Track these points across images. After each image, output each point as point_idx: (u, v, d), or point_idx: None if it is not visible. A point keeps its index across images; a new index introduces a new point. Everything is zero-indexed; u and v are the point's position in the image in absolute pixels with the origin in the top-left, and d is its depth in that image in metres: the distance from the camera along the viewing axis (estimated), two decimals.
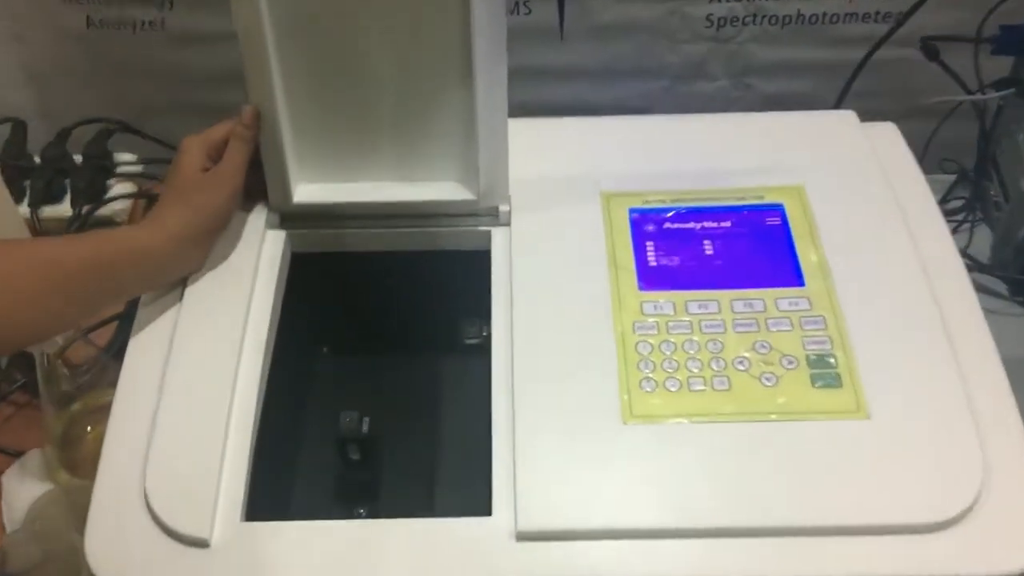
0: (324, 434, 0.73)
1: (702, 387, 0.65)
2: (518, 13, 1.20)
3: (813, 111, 0.84)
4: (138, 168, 1.08)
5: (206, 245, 0.71)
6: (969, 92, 0.97)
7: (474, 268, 0.74)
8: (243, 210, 0.75)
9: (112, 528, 0.61)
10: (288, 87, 0.71)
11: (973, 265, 0.95)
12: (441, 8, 0.67)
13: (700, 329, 0.68)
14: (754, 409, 0.64)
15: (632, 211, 0.75)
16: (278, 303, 0.72)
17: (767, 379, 0.65)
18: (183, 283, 0.71)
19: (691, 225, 0.74)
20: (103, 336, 0.89)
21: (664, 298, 0.70)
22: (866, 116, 0.83)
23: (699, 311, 0.69)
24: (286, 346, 0.72)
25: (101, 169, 1.06)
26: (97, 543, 0.61)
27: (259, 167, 0.74)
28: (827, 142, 0.80)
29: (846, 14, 1.21)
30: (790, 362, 0.66)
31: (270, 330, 0.70)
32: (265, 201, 0.76)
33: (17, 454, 0.83)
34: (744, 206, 0.75)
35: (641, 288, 0.70)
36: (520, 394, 0.65)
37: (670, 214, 0.75)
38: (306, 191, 0.75)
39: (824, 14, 1.21)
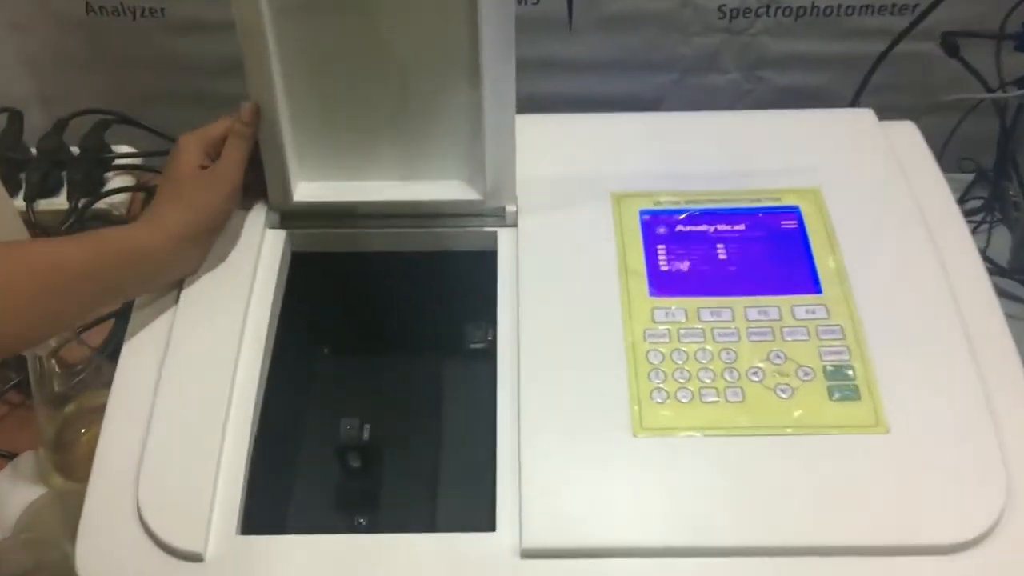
0: (324, 441, 0.71)
1: (715, 398, 0.63)
2: (525, 3, 1.18)
3: (830, 109, 0.81)
4: (136, 160, 1.06)
5: (205, 245, 0.69)
6: (990, 90, 0.95)
7: (479, 270, 0.72)
8: (242, 209, 0.73)
9: (104, 540, 0.59)
10: (289, 82, 0.69)
11: (993, 268, 0.93)
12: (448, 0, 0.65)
13: (713, 338, 0.66)
14: (769, 422, 0.62)
15: (643, 213, 0.73)
16: (277, 304, 0.70)
17: (782, 391, 0.63)
18: (180, 284, 0.69)
19: (704, 228, 0.72)
20: (99, 334, 0.87)
21: (676, 305, 0.67)
22: (881, 111, 0.81)
23: (712, 319, 0.67)
24: (285, 349, 0.70)
25: (98, 161, 1.04)
26: (88, 556, 0.59)
27: (259, 164, 0.72)
28: (845, 142, 0.78)
29: (862, 6, 1.18)
30: (806, 373, 0.64)
31: (269, 332, 0.68)
32: (265, 199, 0.74)
33: (10, 456, 0.81)
34: (759, 208, 0.73)
35: (652, 294, 0.68)
36: (526, 404, 0.63)
37: (682, 216, 0.73)
38: (307, 189, 0.73)
39: (839, 6, 1.19)
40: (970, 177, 1.02)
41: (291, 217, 0.74)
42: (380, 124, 0.71)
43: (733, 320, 0.66)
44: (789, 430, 0.61)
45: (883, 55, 0.99)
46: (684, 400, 0.63)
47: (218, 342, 0.66)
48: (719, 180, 0.75)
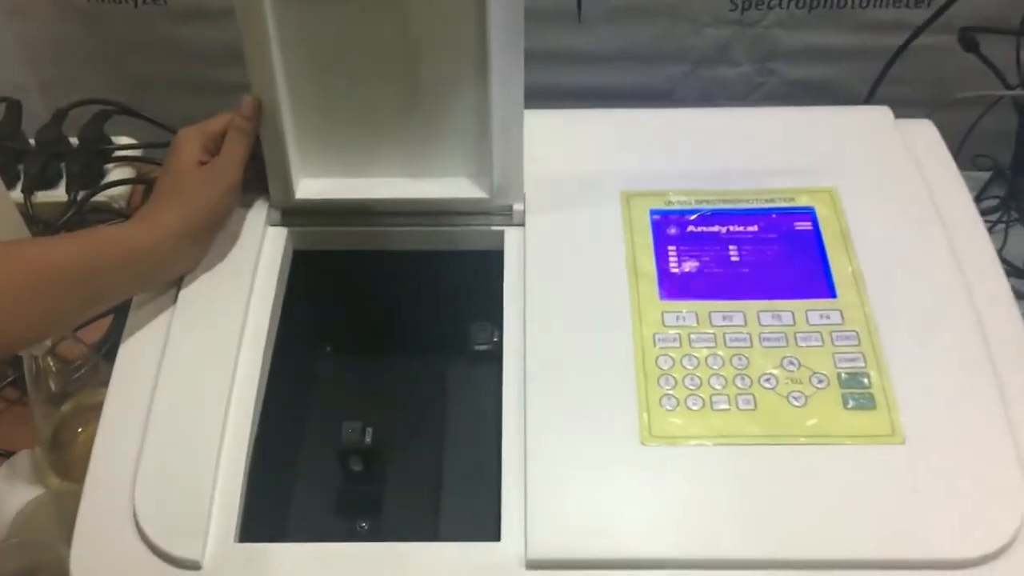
0: (325, 444, 0.70)
1: (726, 406, 0.61)
2: None
3: (846, 107, 0.80)
4: (137, 152, 1.04)
5: (203, 243, 0.68)
6: (1009, 87, 0.93)
7: (485, 270, 0.70)
8: (242, 206, 0.72)
9: (99, 547, 0.58)
10: (291, 76, 0.67)
11: (1010, 270, 0.91)
12: None
13: (724, 343, 0.64)
14: (781, 431, 0.60)
15: (653, 212, 0.71)
16: (278, 304, 0.69)
17: (795, 398, 0.61)
18: (178, 283, 0.68)
19: (716, 229, 0.70)
20: (99, 329, 0.86)
21: (686, 308, 0.66)
22: (895, 105, 0.79)
23: (723, 323, 0.65)
24: (286, 350, 0.68)
25: (98, 153, 1.02)
26: (83, 563, 0.58)
27: (260, 160, 0.70)
28: (861, 141, 0.76)
29: None
30: (820, 381, 0.62)
31: (269, 333, 0.67)
32: (266, 196, 0.72)
33: (6, 454, 0.80)
34: (773, 209, 0.71)
35: (662, 296, 0.66)
36: (532, 410, 0.61)
37: (694, 216, 0.71)
38: (309, 186, 0.72)
39: None
40: (986, 175, 1.00)
41: (293, 214, 0.72)
42: (384, 120, 0.69)
43: (745, 325, 0.65)
44: (802, 439, 0.60)
45: (901, 49, 0.97)
46: (694, 407, 0.61)
47: (217, 342, 0.65)
48: (732, 179, 0.73)
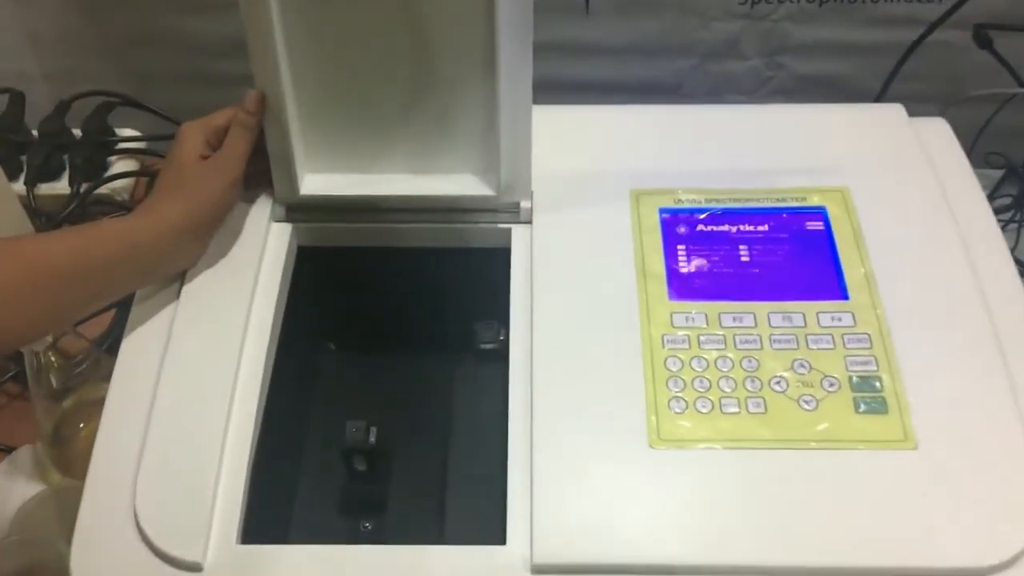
0: (328, 444, 0.69)
1: (736, 409, 0.60)
2: None
3: (858, 104, 0.79)
4: (140, 144, 1.03)
5: (205, 238, 0.67)
6: (1023, 84, 0.91)
7: (492, 268, 0.70)
8: (246, 201, 0.71)
9: (99, 548, 0.57)
10: (295, 71, 0.66)
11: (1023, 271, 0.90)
12: None
13: (734, 345, 0.63)
14: (792, 435, 0.59)
15: (663, 211, 0.70)
16: (282, 300, 0.68)
17: (806, 402, 0.60)
18: (181, 279, 0.67)
19: (726, 228, 0.69)
20: (100, 324, 0.85)
21: (696, 309, 0.65)
22: (907, 102, 0.78)
23: (733, 324, 0.64)
24: (290, 347, 0.68)
25: (101, 145, 1.01)
26: (83, 564, 0.57)
27: (264, 155, 0.69)
28: (873, 139, 0.75)
29: None
30: (831, 384, 0.61)
31: (273, 330, 0.66)
32: (270, 191, 0.71)
33: (8, 449, 0.79)
34: (784, 208, 0.70)
35: (671, 297, 0.65)
36: (538, 411, 0.60)
37: (703, 215, 0.70)
38: (314, 182, 0.71)
39: None
40: (998, 173, 0.98)
41: (297, 210, 0.71)
42: (391, 115, 0.68)
43: (756, 326, 0.64)
44: (813, 444, 0.59)
45: (915, 45, 0.96)
46: (703, 410, 0.60)
47: (220, 339, 0.64)
48: (742, 177, 0.72)
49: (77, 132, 1.02)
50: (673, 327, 0.64)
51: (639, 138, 0.75)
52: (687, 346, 0.63)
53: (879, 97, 1.06)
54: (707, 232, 0.69)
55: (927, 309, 0.64)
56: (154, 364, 0.63)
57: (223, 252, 0.68)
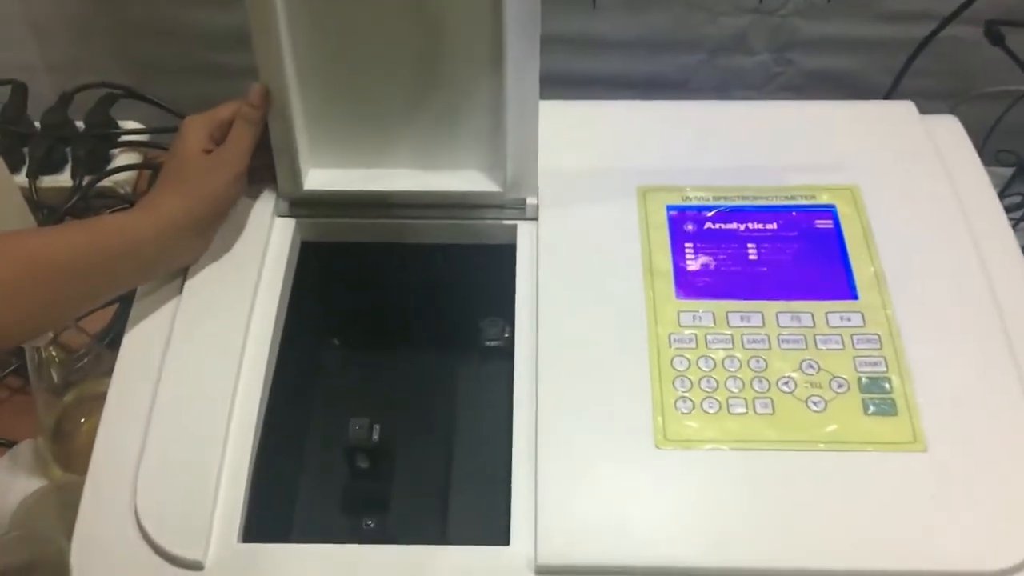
0: (331, 442, 0.68)
1: (743, 410, 0.60)
2: None
3: (869, 101, 0.78)
4: (144, 137, 1.03)
5: (207, 233, 0.66)
6: None
7: (497, 264, 0.69)
8: (250, 196, 0.70)
9: (100, 546, 0.57)
10: (300, 64, 0.65)
11: None
12: None
13: (742, 344, 0.62)
14: (800, 437, 0.59)
15: (670, 208, 0.69)
16: (285, 296, 0.68)
17: (814, 403, 0.60)
18: (183, 274, 0.67)
19: (734, 226, 0.69)
20: (102, 318, 0.85)
21: (703, 308, 0.64)
22: (917, 98, 0.77)
23: (741, 324, 0.63)
24: (293, 343, 0.67)
25: (104, 137, 1.00)
26: (84, 561, 0.57)
27: (268, 149, 0.69)
28: (884, 137, 0.74)
29: None
30: (840, 385, 0.60)
31: (276, 325, 0.65)
32: (273, 186, 0.70)
33: (9, 444, 0.79)
34: (793, 206, 0.69)
35: (678, 295, 0.65)
36: (544, 411, 0.60)
37: (711, 213, 0.69)
38: (318, 177, 0.70)
39: None
40: (1009, 171, 0.97)
41: (301, 205, 0.71)
42: (396, 109, 0.68)
43: (764, 326, 0.63)
44: (821, 445, 0.58)
45: (926, 41, 0.94)
46: (710, 411, 0.60)
47: (223, 335, 0.64)
48: (751, 174, 0.71)
49: (80, 124, 1.01)
50: (680, 326, 0.63)
51: (646, 134, 0.75)
52: (694, 345, 0.62)
53: (889, 94, 1.04)
54: (715, 230, 0.68)
55: (937, 309, 0.63)
56: (156, 360, 0.63)
57: (226, 247, 0.68)
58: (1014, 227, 0.90)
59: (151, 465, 0.58)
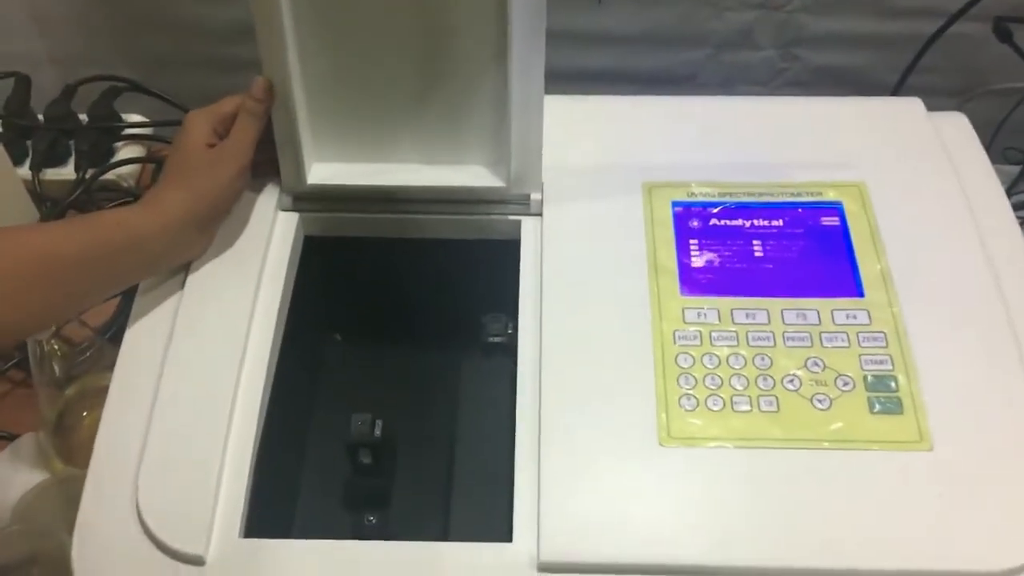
0: (333, 437, 0.68)
1: (747, 407, 0.59)
2: None
3: (876, 98, 0.77)
4: (147, 130, 1.02)
5: (210, 228, 0.66)
6: None
7: (501, 260, 0.69)
8: (253, 190, 0.70)
9: (101, 541, 0.56)
10: (304, 58, 0.65)
11: None
12: None
13: (747, 341, 0.62)
14: (804, 435, 0.58)
15: (675, 204, 0.69)
16: (288, 291, 0.67)
17: (819, 401, 0.59)
18: (186, 268, 0.66)
19: (739, 222, 0.68)
20: (104, 312, 0.84)
21: (708, 304, 0.64)
22: (924, 95, 0.76)
23: (746, 321, 0.63)
24: (295, 338, 0.67)
25: (107, 130, 1.00)
26: (85, 555, 0.56)
27: (272, 143, 0.68)
28: (891, 134, 0.73)
29: None
30: (845, 383, 0.60)
31: (279, 320, 0.65)
32: (277, 180, 0.70)
33: (11, 437, 0.78)
34: (799, 203, 0.69)
35: (683, 292, 0.64)
36: (547, 407, 0.59)
37: (717, 209, 0.69)
38: (321, 171, 0.70)
39: None
40: (1016, 169, 0.97)
41: (304, 200, 0.70)
42: (400, 104, 0.67)
43: (769, 323, 0.63)
44: (826, 444, 0.58)
45: (934, 37, 0.94)
46: (715, 408, 0.59)
47: (225, 329, 0.63)
48: (757, 171, 0.71)
49: (83, 117, 1.01)
50: (685, 323, 0.63)
51: (652, 129, 0.74)
52: (699, 342, 0.62)
53: (896, 90, 1.04)
54: (720, 226, 0.68)
55: (944, 307, 0.63)
56: (158, 354, 0.62)
57: (229, 241, 0.67)
58: (1021, 225, 0.90)
59: (153, 460, 0.58)
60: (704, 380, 0.60)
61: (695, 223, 0.68)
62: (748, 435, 0.58)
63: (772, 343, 0.62)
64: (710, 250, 0.67)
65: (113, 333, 0.82)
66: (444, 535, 0.67)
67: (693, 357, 0.61)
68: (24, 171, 0.96)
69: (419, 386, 0.76)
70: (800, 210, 0.68)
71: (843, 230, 0.67)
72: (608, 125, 0.75)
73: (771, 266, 0.66)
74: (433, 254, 0.72)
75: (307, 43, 0.64)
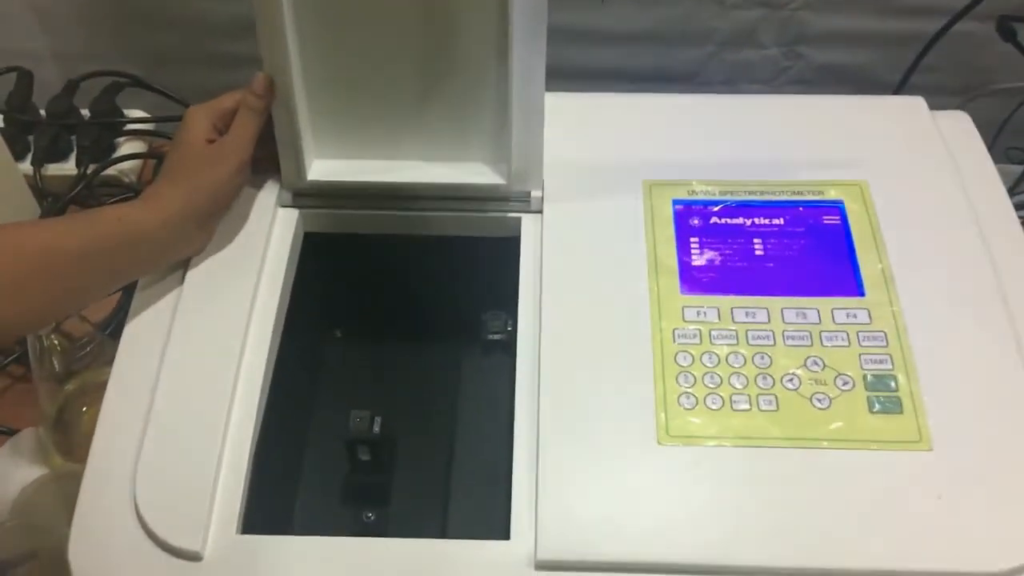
0: (332, 433, 0.68)
1: (747, 406, 0.59)
2: None
3: (878, 96, 0.77)
4: (149, 126, 1.02)
5: (210, 224, 0.66)
6: None
7: (501, 257, 0.68)
8: (253, 186, 0.70)
9: (98, 536, 0.56)
10: (305, 54, 0.65)
11: None
12: None
13: (747, 340, 0.62)
14: (803, 434, 0.58)
15: (676, 202, 0.69)
16: (288, 287, 0.67)
17: (819, 400, 0.59)
18: (186, 264, 0.66)
19: (740, 221, 0.68)
20: (105, 307, 0.84)
21: (708, 303, 0.64)
22: (927, 94, 0.76)
23: (746, 320, 0.63)
24: (295, 334, 0.67)
25: (109, 126, 1.00)
26: (82, 551, 0.56)
27: (272, 139, 0.68)
28: (893, 133, 0.73)
29: None
30: (845, 382, 0.60)
31: (278, 317, 0.65)
32: (277, 176, 0.70)
33: (10, 432, 0.78)
34: (800, 202, 0.69)
35: (683, 291, 0.64)
36: (545, 405, 0.59)
37: (718, 208, 0.69)
38: (321, 168, 0.70)
39: None
40: (1019, 168, 0.97)
41: (304, 196, 0.70)
42: (401, 101, 0.67)
43: (769, 322, 0.62)
44: (825, 443, 0.58)
45: (937, 36, 0.94)
46: (714, 407, 0.59)
47: (224, 325, 0.63)
48: (758, 169, 0.71)
49: (85, 112, 1.01)
50: (684, 321, 0.63)
51: (653, 127, 0.74)
52: (698, 341, 0.62)
53: (899, 89, 1.04)
54: (721, 225, 0.68)
55: (945, 307, 0.63)
56: (157, 350, 0.62)
57: (229, 237, 0.67)
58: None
59: (150, 455, 0.58)
60: (703, 379, 0.60)
61: (696, 221, 0.68)
62: (747, 434, 0.58)
63: (772, 342, 0.62)
64: (710, 248, 0.66)
65: (113, 329, 0.82)
66: (442, 532, 0.67)
67: (693, 356, 0.61)
68: (26, 166, 0.96)
69: (418, 383, 0.76)
70: (801, 209, 0.68)
71: (844, 229, 0.67)
72: (609, 123, 0.74)
73: (771, 265, 0.65)
74: (433, 251, 0.72)
75: (307, 39, 0.64)
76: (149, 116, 1.04)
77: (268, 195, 0.70)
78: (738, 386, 0.60)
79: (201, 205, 0.63)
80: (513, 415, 0.60)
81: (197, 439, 0.58)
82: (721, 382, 0.60)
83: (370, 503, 0.69)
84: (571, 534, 0.55)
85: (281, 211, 0.70)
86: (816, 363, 0.61)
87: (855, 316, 0.62)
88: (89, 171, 0.96)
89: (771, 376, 0.60)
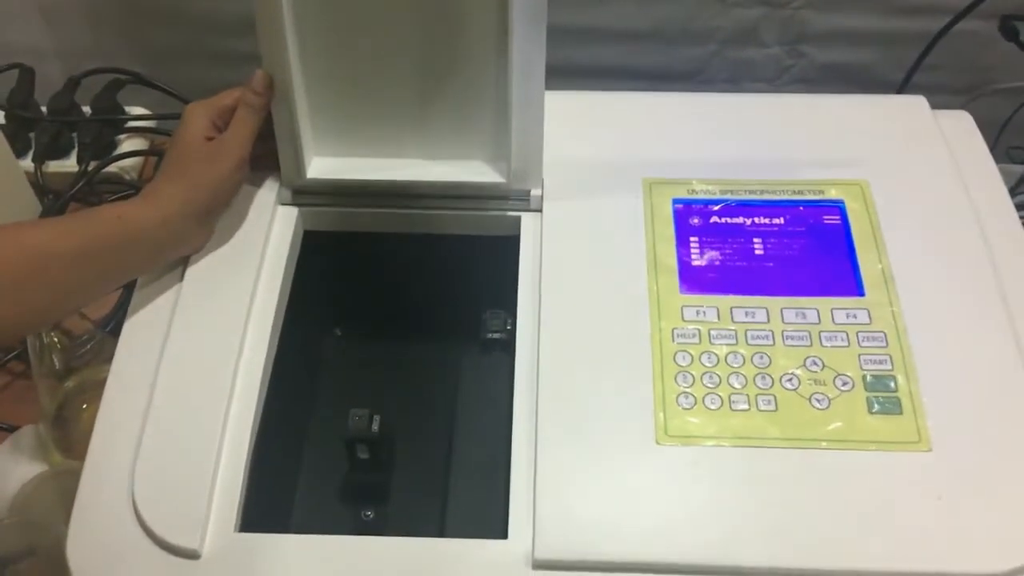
0: (331, 431, 0.68)
1: (745, 406, 0.59)
2: None
3: (879, 95, 0.77)
4: (150, 123, 1.02)
5: (209, 222, 0.66)
6: None
7: (500, 255, 0.68)
8: (252, 183, 0.70)
9: (96, 534, 0.56)
10: (304, 51, 0.65)
11: None
12: None
13: (746, 340, 0.62)
14: (802, 434, 0.58)
15: (676, 201, 0.69)
16: (287, 285, 0.67)
17: (818, 401, 0.59)
18: (185, 261, 0.66)
19: (740, 220, 0.68)
20: (105, 305, 0.84)
21: (707, 303, 0.63)
22: (929, 93, 0.76)
23: (745, 319, 0.63)
24: (294, 332, 0.67)
25: (110, 123, 1.00)
26: (80, 548, 0.56)
27: (272, 136, 0.68)
28: (894, 132, 0.73)
29: None
30: (844, 383, 0.60)
31: (277, 315, 0.65)
32: (277, 174, 0.70)
33: (11, 429, 0.79)
34: (800, 201, 0.69)
35: (682, 290, 0.64)
36: (544, 404, 0.59)
37: (718, 207, 0.68)
38: (321, 166, 0.70)
39: None
40: (1021, 168, 0.96)
41: (304, 194, 0.70)
42: (400, 98, 0.67)
43: (768, 322, 0.62)
44: (824, 444, 0.58)
45: (939, 35, 0.93)
46: (712, 407, 0.59)
47: (223, 323, 0.63)
48: (759, 168, 0.70)
49: (86, 109, 1.01)
50: (684, 321, 0.63)
51: (654, 126, 0.74)
52: (697, 340, 0.62)
53: (901, 88, 1.03)
54: (721, 224, 0.68)
55: (945, 308, 0.63)
56: (156, 347, 0.62)
57: (228, 234, 0.67)
58: None
59: (149, 453, 0.58)
60: (702, 378, 0.60)
61: (695, 220, 0.68)
62: (746, 434, 0.58)
63: (771, 342, 0.62)
64: (710, 248, 0.66)
65: (113, 326, 0.82)
66: (440, 531, 0.67)
67: (691, 355, 0.61)
68: (27, 163, 0.96)
69: (417, 382, 0.76)
70: (801, 208, 0.68)
71: (844, 229, 0.67)
72: (609, 121, 0.74)
73: (771, 264, 0.65)
74: (433, 249, 0.72)
75: (307, 37, 0.64)
76: (150, 113, 1.04)
77: (267, 193, 0.70)
78: (737, 386, 0.60)
79: (200, 203, 0.63)
80: (512, 414, 0.60)
81: (196, 437, 0.58)
82: (720, 382, 0.60)
83: (369, 501, 0.69)
84: (569, 533, 0.55)
85: (280, 209, 0.70)
86: (815, 363, 0.60)
87: (855, 316, 0.62)
88: (90, 168, 0.96)
89: (770, 376, 0.60)
